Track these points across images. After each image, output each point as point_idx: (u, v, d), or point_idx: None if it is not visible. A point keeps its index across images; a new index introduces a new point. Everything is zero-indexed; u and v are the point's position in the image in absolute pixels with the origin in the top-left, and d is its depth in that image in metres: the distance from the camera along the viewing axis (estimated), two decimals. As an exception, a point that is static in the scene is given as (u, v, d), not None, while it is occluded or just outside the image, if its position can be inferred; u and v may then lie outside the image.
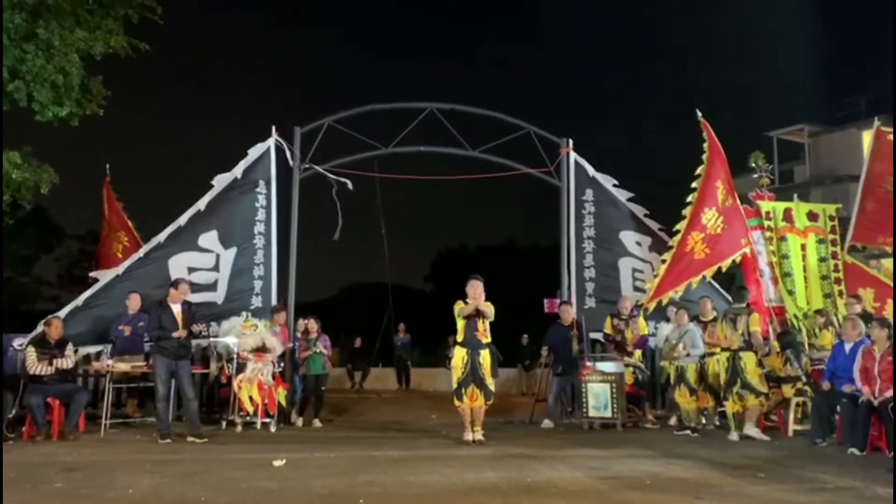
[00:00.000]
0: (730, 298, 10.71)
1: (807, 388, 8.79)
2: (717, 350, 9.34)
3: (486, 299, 8.35)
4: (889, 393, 7.33)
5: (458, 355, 8.34)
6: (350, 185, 11.63)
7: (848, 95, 28.21)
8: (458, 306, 8.35)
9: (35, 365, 8.43)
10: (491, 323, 8.41)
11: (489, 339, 8.38)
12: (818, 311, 10.10)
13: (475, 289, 8.30)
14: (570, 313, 10.68)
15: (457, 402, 8.31)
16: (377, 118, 12.56)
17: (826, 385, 8.20)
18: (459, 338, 8.39)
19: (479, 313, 8.25)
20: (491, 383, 8.33)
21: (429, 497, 5.28)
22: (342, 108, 11.92)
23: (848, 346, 8.22)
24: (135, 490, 5.42)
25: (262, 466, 6.43)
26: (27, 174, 10.22)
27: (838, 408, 8.06)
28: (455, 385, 8.31)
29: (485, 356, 8.29)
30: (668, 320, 10.39)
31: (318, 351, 10.34)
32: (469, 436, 8.20)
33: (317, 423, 10.15)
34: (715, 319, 9.54)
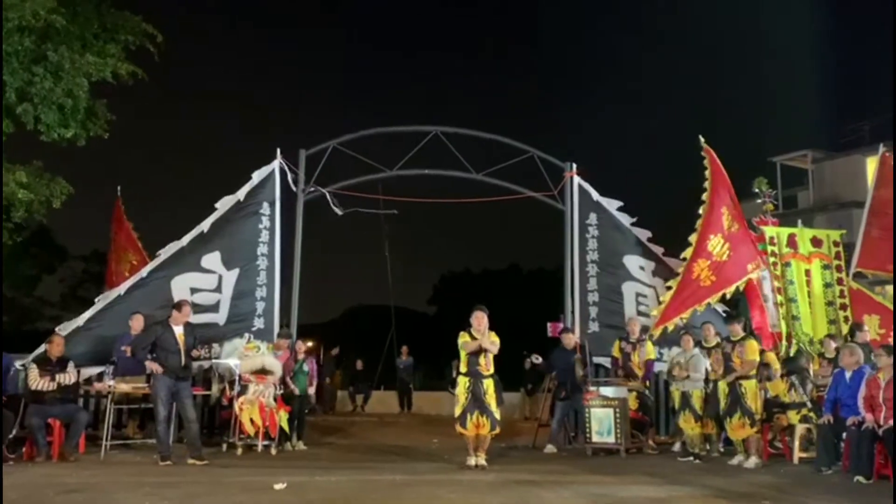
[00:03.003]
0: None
1: (812, 414, 8.72)
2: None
3: (490, 325, 8.35)
4: (893, 421, 7.25)
5: (462, 384, 8.33)
6: (339, 212, 11.72)
7: (852, 121, 28.32)
8: (463, 338, 8.33)
9: (37, 380, 8.41)
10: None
11: (492, 371, 8.36)
12: (830, 336, 10.03)
13: (479, 320, 8.31)
14: (571, 340, 10.63)
15: (459, 429, 8.26)
16: (382, 141, 12.66)
17: (828, 417, 8.13)
18: (463, 369, 8.37)
19: (482, 349, 8.23)
20: (496, 411, 8.27)
21: (430, 522, 5.23)
22: (347, 131, 12.03)
23: (848, 374, 8.17)
24: (134, 513, 5.38)
25: (262, 490, 6.38)
26: (33, 194, 10.27)
27: (844, 435, 7.98)
28: (459, 412, 8.25)
29: (488, 384, 8.26)
30: (678, 344, 10.27)
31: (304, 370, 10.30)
32: (472, 460, 8.14)
33: (300, 445, 10.04)
34: (718, 345, 9.48)
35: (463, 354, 8.32)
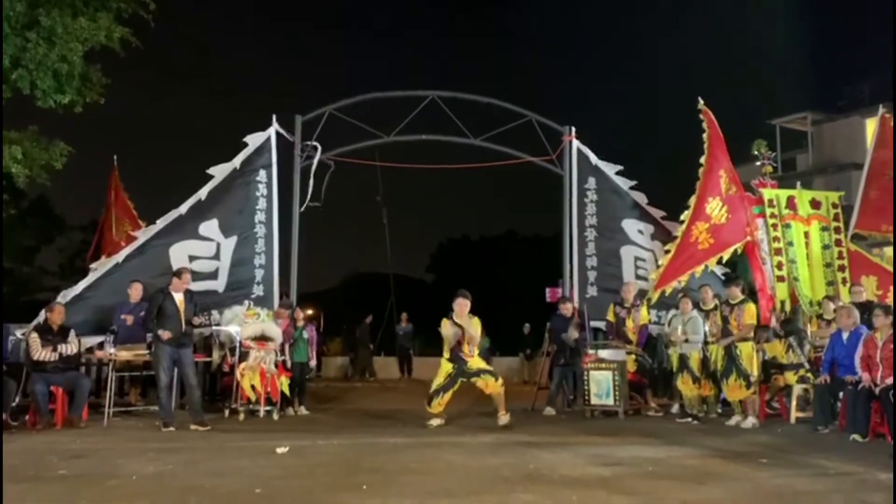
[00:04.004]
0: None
1: (809, 375, 8.80)
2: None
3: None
4: (890, 380, 7.32)
5: (445, 368, 8.59)
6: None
7: (851, 83, 28.07)
8: (444, 327, 8.57)
9: (38, 351, 8.42)
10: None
11: (475, 355, 8.70)
12: (829, 297, 10.05)
13: (461, 307, 8.56)
14: (569, 308, 10.67)
15: (428, 408, 8.54)
16: (378, 106, 12.56)
17: (825, 377, 8.21)
18: (446, 354, 8.62)
19: (464, 336, 8.48)
20: (487, 367, 8.72)
21: (431, 483, 5.29)
22: (344, 96, 11.91)
23: (845, 335, 8.25)
24: (138, 477, 5.43)
25: (265, 454, 6.44)
26: (28, 169, 10.21)
27: (840, 395, 8.06)
28: (433, 389, 8.54)
29: (472, 362, 8.60)
30: (676, 307, 10.29)
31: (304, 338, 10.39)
32: (435, 422, 8.42)
33: (302, 410, 10.14)
34: (716, 308, 9.55)
35: (446, 341, 8.55)
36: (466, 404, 9.53)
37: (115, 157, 14.05)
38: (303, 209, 11.57)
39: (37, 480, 5.32)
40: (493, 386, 8.53)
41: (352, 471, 5.69)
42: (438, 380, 8.54)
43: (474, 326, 8.58)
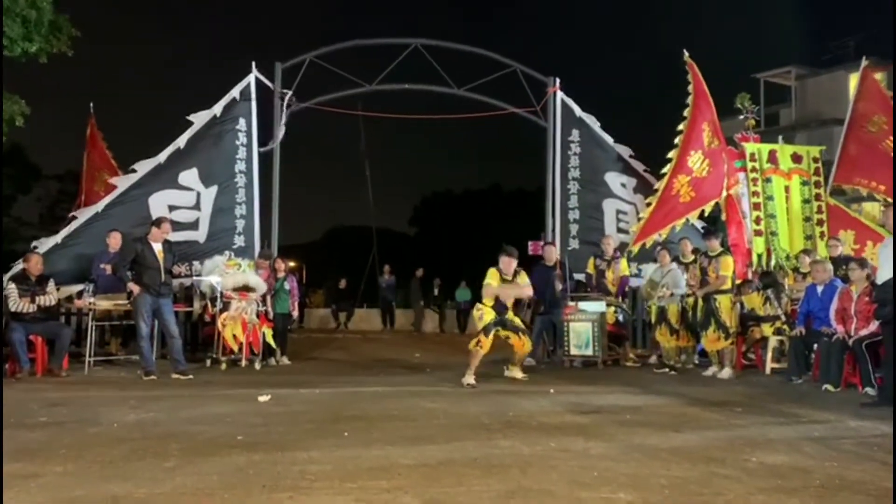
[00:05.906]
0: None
1: (785, 327, 8.94)
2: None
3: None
4: (864, 331, 7.46)
5: (489, 314, 8.20)
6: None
7: (837, 38, 27.99)
8: (492, 277, 8.21)
9: (16, 302, 8.36)
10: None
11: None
12: (806, 251, 10.15)
13: (508, 266, 8.22)
14: (553, 253, 10.70)
15: (482, 340, 8.03)
16: (361, 54, 12.40)
17: (800, 329, 8.34)
18: (489, 302, 8.24)
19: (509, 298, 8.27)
20: (523, 326, 8.58)
21: (412, 429, 5.34)
22: (325, 44, 11.70)
23: (820, 289, 8.38)
24: (120, 424, 5.43)
25: (247, 402, 6.47)
26: None
27: (815, 346, 8.21)
28: (483, 325, 8.12)
29: (510, 315, 8.40)
30: (655, 261, 10.37)
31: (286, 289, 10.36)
32: (471, 379, 7.87)
33: (284, 360, 10.20)
34: (695, 260, 9.64)
35: (490, 296, 8.20)
36: (447, 355, 9.61)
37: (91, 104, 13.80)
38: (267, 149, 11.37)
39: (18, 427, 5.30)
40: (527, 346, 8.46)
41: (333, 418, 5.72)
42: (487, 318, 8.14)
43: (522, 279, 8.35)
